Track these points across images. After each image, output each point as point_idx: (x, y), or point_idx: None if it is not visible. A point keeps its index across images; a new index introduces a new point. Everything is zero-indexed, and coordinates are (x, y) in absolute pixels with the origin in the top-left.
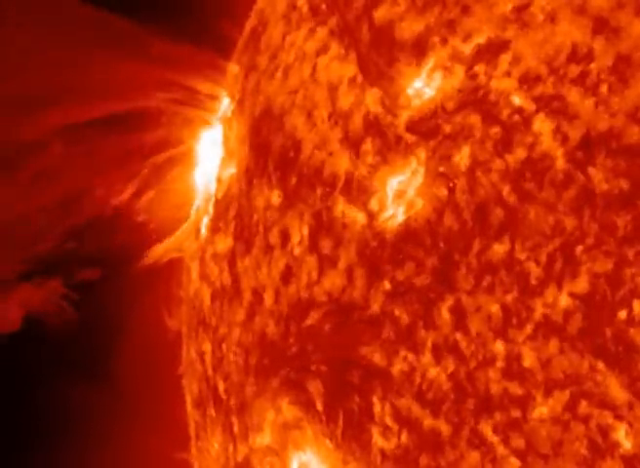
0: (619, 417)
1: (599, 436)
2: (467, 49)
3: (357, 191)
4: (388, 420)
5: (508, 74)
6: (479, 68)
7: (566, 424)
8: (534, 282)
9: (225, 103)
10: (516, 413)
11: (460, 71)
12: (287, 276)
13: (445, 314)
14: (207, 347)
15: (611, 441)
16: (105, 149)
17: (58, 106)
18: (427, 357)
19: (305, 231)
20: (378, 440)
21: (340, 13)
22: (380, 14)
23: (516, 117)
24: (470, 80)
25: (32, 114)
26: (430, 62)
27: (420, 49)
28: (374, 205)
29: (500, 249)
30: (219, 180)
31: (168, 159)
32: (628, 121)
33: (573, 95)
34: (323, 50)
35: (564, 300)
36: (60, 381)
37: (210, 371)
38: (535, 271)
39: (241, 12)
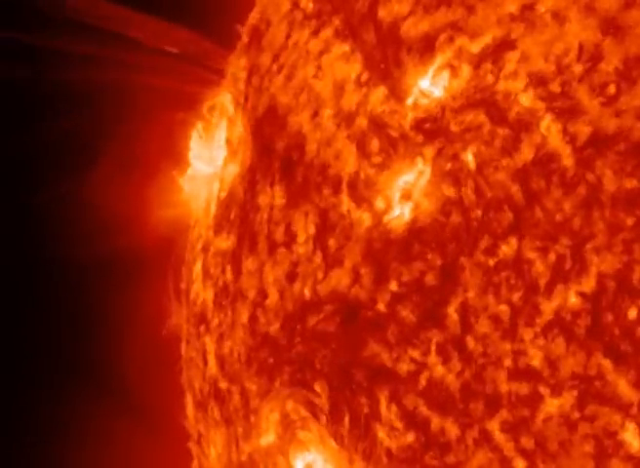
0: (628, 417)
1: (608, 436)
2: (475, 48)
3: (363, 190)
4: (395, 420)
5: (516, 74)
6: (486, 67)
7: (574, 424)
8: (542, 281)
9: (227, 102)
10: (524, 413)
11: (467, 70)
12: (292, 275)
13: (452, 314)
14: (209, 347)
15: (620, 441)
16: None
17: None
18: (434, 357)
19: (311, 230)
20: (384, 439)
21: (344, 12)
22: (386, 12)
23: (524, 116)
24: (477, 79)
25: None
26: (437, 61)
27: (426, 48)
28: (380, 204)
29: (507, 248)
30: (221, 180)
31: (169, 157)
32: (637, 120)
33: (581, 94)
34: (327, 49)
35: (572, 300)
36: (59, 381)
37: (212, 371)
38: (543, 271)
39: (243, 9)
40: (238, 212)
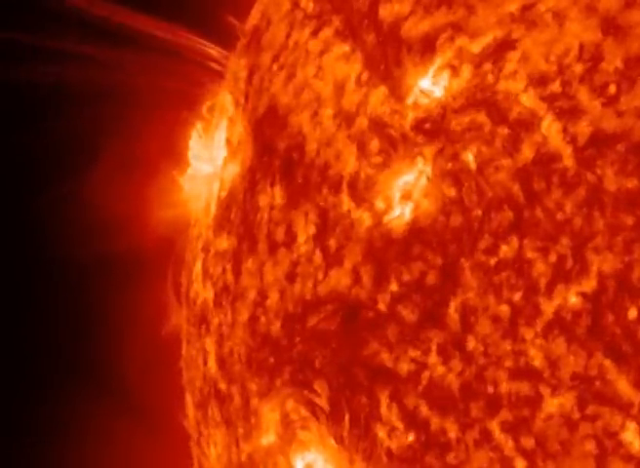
0: (628, 417)
1: (608, 436)
2: (475, 48)
3: (363, 191)
4: (395, 420)
5: (516, 74)
6: (487, 67)
7: (575, 424)
8: (542, 281)
9: (227, 102)
10: (524, 413)
11: (467, 70)
12: (292, 275)
13: (452, 314)
14: (209, 347)
15: (620, 440)
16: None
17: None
18: (435, 357)
19: (311, 230)
20: (384, 439)
21: (345, 11)
22: (386, 12)
23: (524, 116)
24: (478, 79)
25: None
26: (437, 61)
27: (426, 48)
28: (380, 204)
29: (508, 248)
30: (221, 180)
31: (169, 157)
32: (637, 120)
33: (581, 94)
34: (328, 49)
35: (573, 300)
36: (59, 381)
37: (212, 371)
38: (543, 271)
39: (243, 9)
40: (238, 212)
